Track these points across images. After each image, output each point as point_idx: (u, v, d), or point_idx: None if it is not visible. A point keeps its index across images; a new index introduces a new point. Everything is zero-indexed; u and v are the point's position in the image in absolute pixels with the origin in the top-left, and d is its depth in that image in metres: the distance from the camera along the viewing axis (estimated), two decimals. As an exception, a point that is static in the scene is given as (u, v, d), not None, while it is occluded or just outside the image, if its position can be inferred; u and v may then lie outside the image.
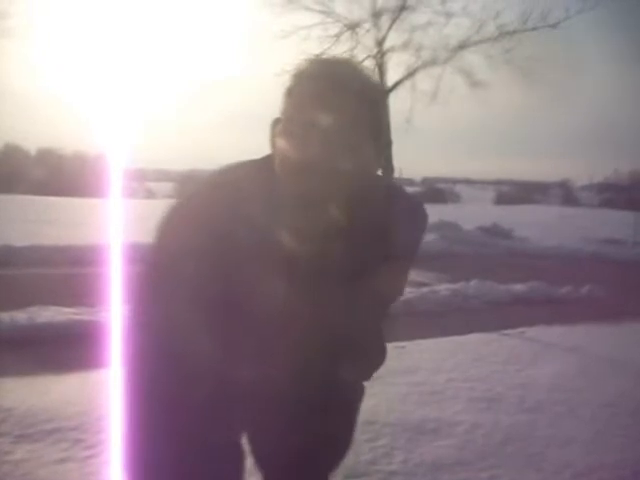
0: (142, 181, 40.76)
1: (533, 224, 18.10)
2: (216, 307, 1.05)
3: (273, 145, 1.10)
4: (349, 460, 1.58)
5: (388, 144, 1.17)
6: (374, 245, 1.12)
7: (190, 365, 0.93)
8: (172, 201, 1.18)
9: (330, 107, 1.03)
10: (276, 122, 1.11)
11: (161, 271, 1.10)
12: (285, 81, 1.11)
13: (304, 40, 10.72)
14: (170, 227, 1.13)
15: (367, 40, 11.50)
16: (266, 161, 1.11)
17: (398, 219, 1.15)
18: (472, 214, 20.03)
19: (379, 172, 1.19)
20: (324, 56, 1.48)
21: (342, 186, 1.05)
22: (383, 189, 1.19)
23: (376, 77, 1.16)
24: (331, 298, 1.09)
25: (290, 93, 1.09)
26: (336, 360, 1.13)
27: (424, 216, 1.24)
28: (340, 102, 1.03)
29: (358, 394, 1.34)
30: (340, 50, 10.97)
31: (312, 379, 1.11)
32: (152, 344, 1.01)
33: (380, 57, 11.70)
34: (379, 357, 1.23)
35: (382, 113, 1.12)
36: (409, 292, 6.96)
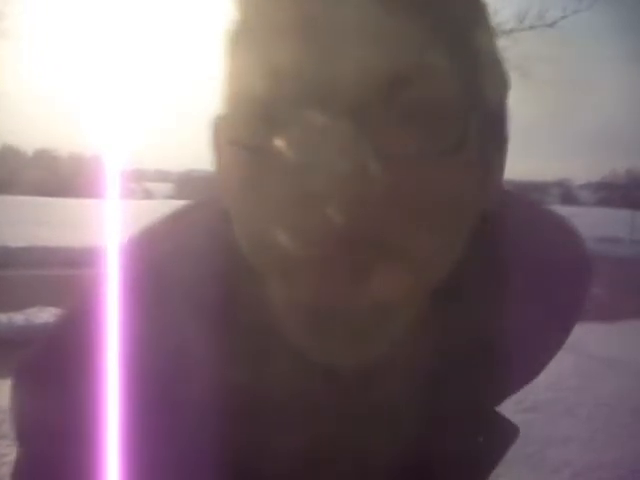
0: (140, 181, 40.81)
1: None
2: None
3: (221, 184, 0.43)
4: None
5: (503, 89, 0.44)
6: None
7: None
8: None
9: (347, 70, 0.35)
10: (218, 126, 0.44)
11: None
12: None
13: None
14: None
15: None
16: (216, 223, 0.45)
17: (550, 282, 0.54)
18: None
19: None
20: None
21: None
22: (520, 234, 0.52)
23: None
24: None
25: (237, 44, 0.39)
26: None
27: (588, 265, 0.58)
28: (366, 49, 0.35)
29: None
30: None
31: None
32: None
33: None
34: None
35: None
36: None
